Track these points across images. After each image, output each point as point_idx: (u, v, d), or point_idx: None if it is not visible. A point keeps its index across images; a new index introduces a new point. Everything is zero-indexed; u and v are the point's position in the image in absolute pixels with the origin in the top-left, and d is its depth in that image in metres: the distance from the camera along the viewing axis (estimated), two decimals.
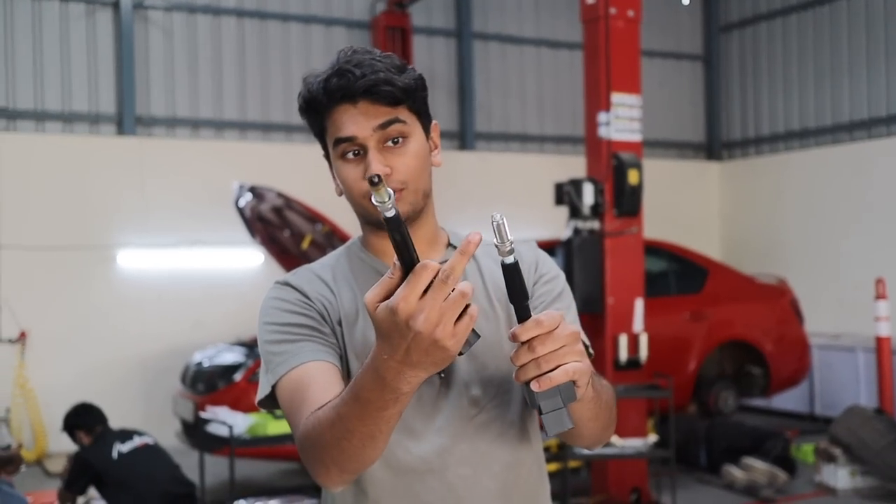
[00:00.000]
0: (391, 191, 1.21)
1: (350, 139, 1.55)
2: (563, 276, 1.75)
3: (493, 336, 1.62)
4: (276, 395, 1.57)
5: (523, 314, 1.33)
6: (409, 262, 1.22)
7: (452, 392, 1.60)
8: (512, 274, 1.31)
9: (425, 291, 1.20)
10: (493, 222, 1.25)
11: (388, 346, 1.24)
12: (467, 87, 11.30)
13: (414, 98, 1.58)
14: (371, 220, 1.63)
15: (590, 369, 1.42)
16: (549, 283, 1.71)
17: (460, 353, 1.27)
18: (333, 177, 1.65)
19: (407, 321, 1.19)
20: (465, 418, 1.59)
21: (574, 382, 1.33)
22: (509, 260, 1.29)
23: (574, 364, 1.32)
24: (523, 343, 1.30)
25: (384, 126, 1.55)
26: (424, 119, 1.62)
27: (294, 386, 1.52)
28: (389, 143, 1.56)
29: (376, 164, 1.54)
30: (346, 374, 1.58)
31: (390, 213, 1.22)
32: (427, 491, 1.58)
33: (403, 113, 1.57)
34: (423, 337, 1.20)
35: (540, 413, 1.35)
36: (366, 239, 1.69)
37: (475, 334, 1.27)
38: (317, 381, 1.50)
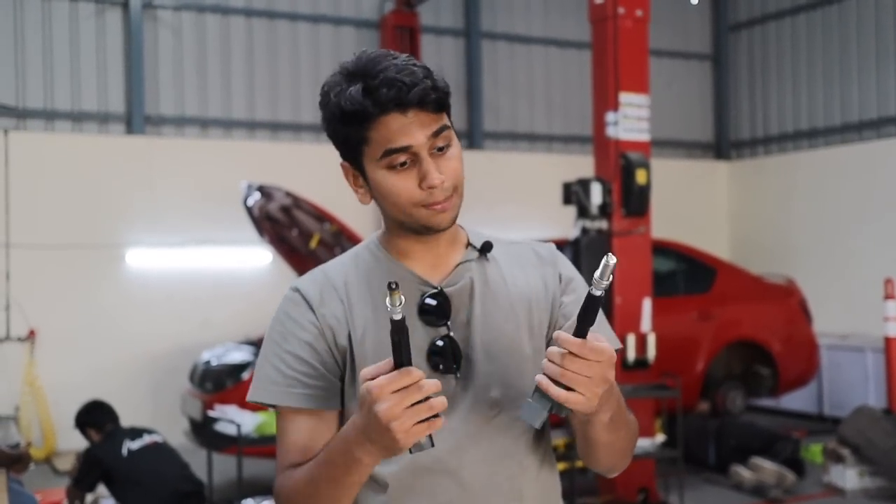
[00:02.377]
0: (403, 299, 1.34)
1: (405, 149, 1.53)
2: (581, 279, 1.76)
3: (513, 339, 1.63)
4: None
5: (581, 334, 1.43)
6: (399, 362, 1.37)
7: (471, 392, 1.60)
8: (592, 303, 1.43)
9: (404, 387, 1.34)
10: (606, 261, 1.39)
11: (359, 414, 1.39)
12: (475, 87, 11.30)
13: (448, 102, 1.59)
14: (412, 227, 1.60)
15: (612, 405, 1.52)
16: (575, 289, 1.72)
17: (410, 451, 1.40)
18: (359, 186, 1.63)
19: (374, 403, 1.34)
20: (483, 419, 1.60)
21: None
22: (597, 293, 1.42)
23: (579, 397, 1.40)
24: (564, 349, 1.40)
25: (436, 134, 1.54)
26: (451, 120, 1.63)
27: (280, 425, 1.64)
28: (435, 151, 1.56)
29: (435, 174, 1.53)
30: (341, 394, 1.63)
31: (398, 317, 1.36)
32: (442, 490, 1.59)
33: (445, 119, 1.57)
34: (381, 422, 1.34)
35: (529, 398, 1.45)
36: (391, 241, 1.66)
37: (430, 441, 1.40)
38: (295, 435, 1.61)
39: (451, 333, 1.60)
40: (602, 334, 1.57)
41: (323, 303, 1.62)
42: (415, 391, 1.34)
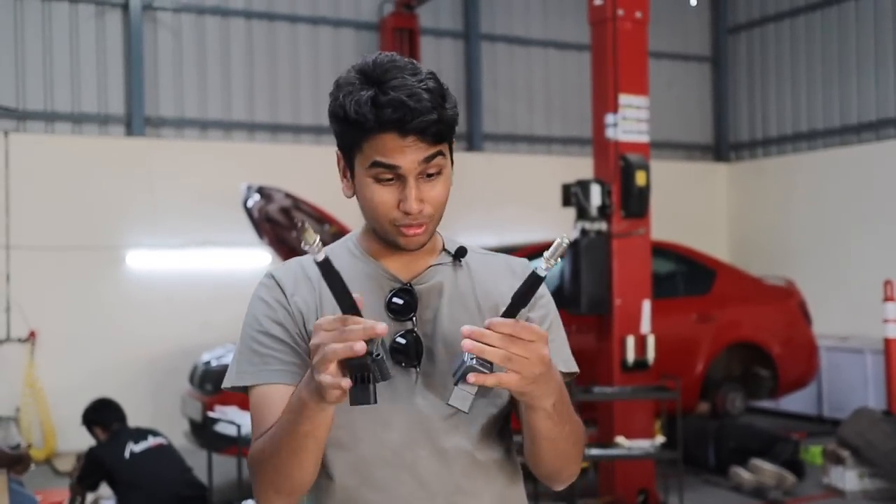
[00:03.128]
0: (318, 237, 1.35)
1: (393, 167, 1.55)
2: (552, 301, 1.77)
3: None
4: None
5: (510, 313, 1.44)
6: (345, 303, 1.39)
7: (430, 388, 1.62)
8: (532, 283, 1.45)
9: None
10: (559, 240, 1.42)
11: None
12: (475, 89, 11.31)
13: (453, 131, 1.61)
14: (389, 242, 1.64)
15: (553, 390, 1.50)
16: (540, 312, 1.72)
17: (352, 403, 1.39)
18: (345, 178, 1.66)
19: (313, 337, 1.38)
20: (441, 416, 1.62)
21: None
22: (542, 273, 1.43)
23: (514, 376, 1.41)
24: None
25: (428, 160, 1.56)
26: (451, 149, 1.65)
27: (255, 406, 1.64)
28: (424, 176, 1.58)
29: (413, 202, 1.56)
30: None
31: (320, 258, 1.37)
32: (399, 484, 1.61)
33: (444, 147, 1.59)
34: (312, 357, 1.38)
35: (455, 384, 1.43)
36: (368, 240, 1.70)
37: (371, 397, 1.38)
38: (272, 407, 1.60)
39: (416, 329, 1.62)
40: (557, 356, 1.63)
41: (296, 290, 1.67)
42: (336, 334, 1.35)
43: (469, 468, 1.64)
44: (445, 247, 1.73)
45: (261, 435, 1.59)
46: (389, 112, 1.51)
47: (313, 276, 1.67)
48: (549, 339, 1.46)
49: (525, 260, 1.80)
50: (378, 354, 1.38)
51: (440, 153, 1.58)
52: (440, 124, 1.55)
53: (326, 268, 1.38)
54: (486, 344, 1.39)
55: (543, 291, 1.71)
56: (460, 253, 1.72)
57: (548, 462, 1.63)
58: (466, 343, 1.39)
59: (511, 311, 1.44)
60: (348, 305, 1.39)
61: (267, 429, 1.57)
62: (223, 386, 1.68)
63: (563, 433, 1.57)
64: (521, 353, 1.40)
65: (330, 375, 1.35)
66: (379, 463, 1.61)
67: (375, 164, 1.56)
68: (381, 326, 1.35)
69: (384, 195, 1.58)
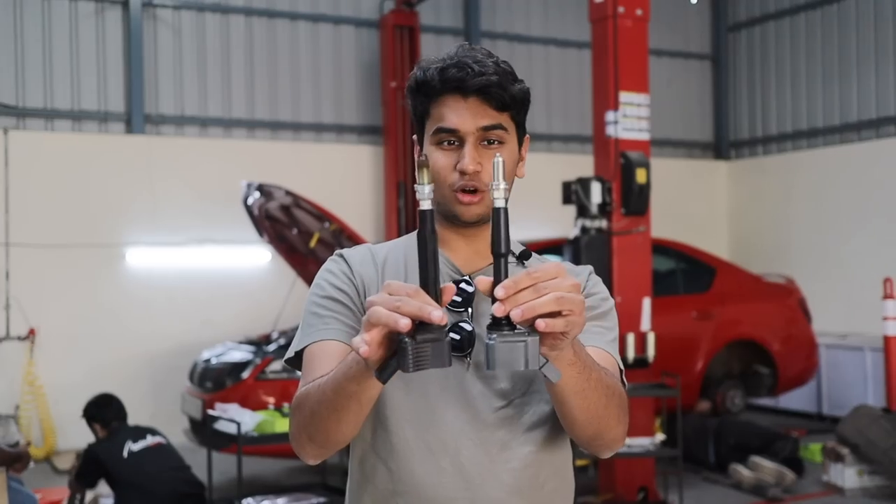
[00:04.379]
0: (432, 184, 1.33)
1: (452, 131, 1.61)
2: (612, 301, 1.76)
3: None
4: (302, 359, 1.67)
5: (500, 267, 1.34)
6: (423, 277, 1.31)
7: (481, 378, 1.63)
8: (499, 219, 1.37)
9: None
10: (493, 160, 1.36)
11: None
12: None
13: (519, 109, 1.66)
14: (445, 212, 1.66)
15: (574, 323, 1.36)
16: (593, 297, 1.71)
17: (381, 378, 1.34)
18: (418, 154, 1.68)
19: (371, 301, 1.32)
20: (490, 407, 1.62)
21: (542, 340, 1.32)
22: (500, 204, 1.36)
23: (559, 319, 1.29)
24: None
25: (487, 129, 1.61)
26: (521, 130, 1.70)
27: (309, 358, 1.63)
28: (485, 144, 1.62)
29: (470, 159, 1.60)
30: None
31: (426, 206, 1.32)
32: (439, 470, 1.61)
33: (506, 120, 1.64)
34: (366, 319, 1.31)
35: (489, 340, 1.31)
36: (438, 230, 1.71)
37: (389, 367, 1.31)
38: (326, 359, 1.59)
39: (471, 321, 1.63)
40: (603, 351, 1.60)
41: (362, 266, 1.70)
42: (392, 301, 1.28)
43: (513, 465, 1.62)
44: (511, 248, 1.72)
45: (309, 382, 1.58)
46: (453, 72, 1.59)
47: (378, 260, 1.71)
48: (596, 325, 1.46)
49: (589, 266, 1.81)
50: (424, 340, 1.28)
51: (501, 126, 1.63)
52: (502, 90, 1.60)
53: (425, 219, 1.33)
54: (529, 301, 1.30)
55: (599, 290, 1.72)
56: (524, 255, 1.75)
57: (583, 421, 1.54)
58: (514, 312, 1.28)
59: (501, 264, 1.35)
60: (431, 277, 1.32)
61: (317, 377, 1.55)
62: (286, 357, 1.69)
63: (590, 383, 1.49)
64: (563, 292, 1.30)
65: (368, 336, 1.30)
66: (422, 447, 1.61)
67: (438, 131, 1.62)
68: (438, 314, 1.27)
69: (444, 159, 1.62)
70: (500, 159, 1.35)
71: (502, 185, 1.36)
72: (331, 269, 1.71)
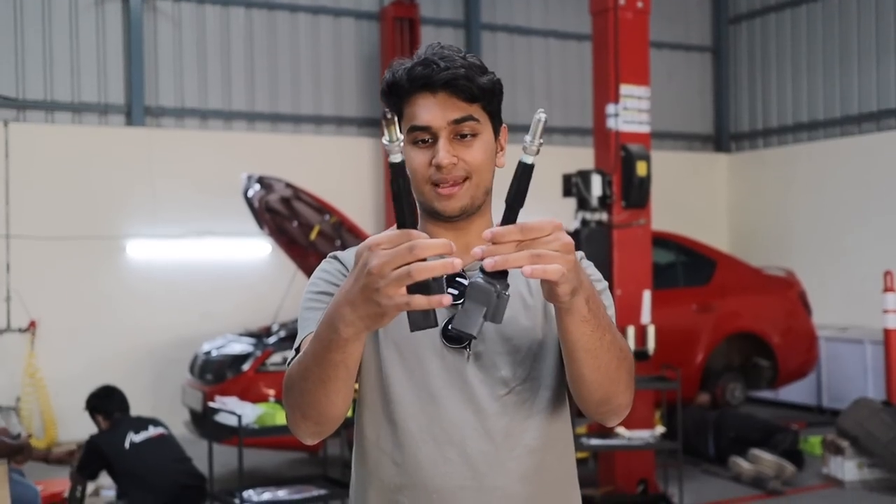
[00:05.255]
0: (401, 136, 1.31)
1: (424, 128, 1.62)
2: (605, 283, 1.75)
3: (527, 322, 1.67)
4: None
5: (509, 218, 1.37)
6: (400, 221, 1.31)
7: (481, 368, 1.64)
8: (524, 174, 1.38)
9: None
10: (535, 117, 1.36)
11: (348, 280, 1.35)
12: None
13: (490, 99, 1.66)
14: (427, 208, 1.68)
15: (585, 284, 1.43)
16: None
17: (410, 329, 1.34)
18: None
19: (368, 257, 1.29)
20: (492, 396, 1.63)
21: (500, 295, 1.34)
22: (529, 160, 1.36)
23: (556, 267, 1.32)
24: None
25: (458, 122, 1.62)
26: (496, 121, 1.70)
27: (302, 346, 1.62)
28: (458, 137, 1.63)
29: (444, 153, 1.61)
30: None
31: (396, 159, 1.31)
32: (445, 461, 1.62)
33: (478, 111, 1.65)
34: (370, 281, 1.28)
35: (462, 304, 1.35)
36: (425, 227, 1.73)
37: (433, 319, 1.31)
38: None
39: None
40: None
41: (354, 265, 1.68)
42: (406, 251, 1.26)
43: (517, 452, 1.64)
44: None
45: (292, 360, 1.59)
46: (420, 69, 1.61)
47: None
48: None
49: (580, 252, 1.78)
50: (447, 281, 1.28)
51: (473, 118, 1.63)
52: (469, 81, 1.61)
53: (396, 172, 1.32)
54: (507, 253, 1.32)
55: (592, 273, 1.71)
56: None
57: (593, 382, 1.53)
58: (487, 261, 1.31)
59: (509, 216, 1.38)
60: (411, 223, 1.32)
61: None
62: (290, 360, 1.68)
63: (603, 342, 1.49)
64: (546, 249, 1.32)
65: (399, 297, 1.28)
66: (428, 440, 1.62)
67: (411, 130, 1.64)
68: (452, 244, 1.29)
69: (420, 157, 1.64)
70: (543, 116, 1.36)
71: (536, 144, 1.36)
72: (325, 269, 1.73)
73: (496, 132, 1.71)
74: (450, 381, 1.63)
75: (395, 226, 1.36)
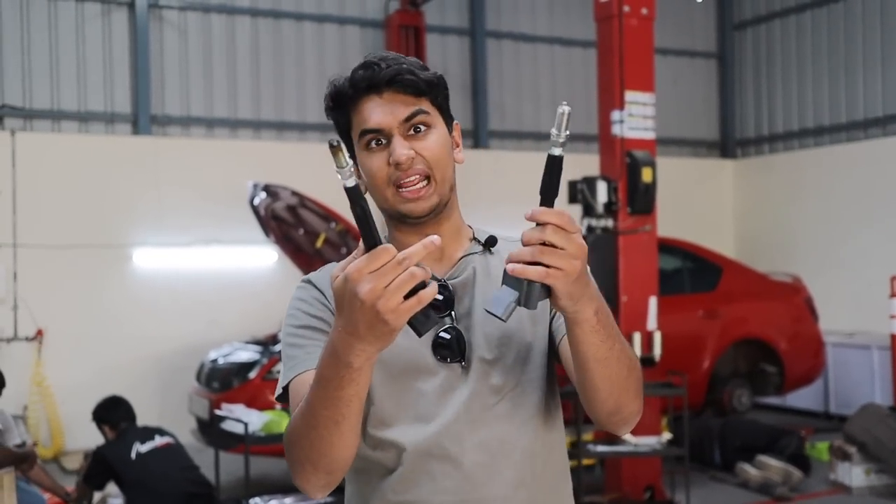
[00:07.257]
0: (351, 161, 1.28)
1: (376, 130, 1.58)
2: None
3: (515, 327, 1.64)
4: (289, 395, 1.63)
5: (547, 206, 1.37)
6: (371, 242, 1.28)
7: (472, 379, 1.62)
8: (553, 166, 1.38)
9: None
10: (559, 110, 1.37)
11: (341, 316, 1.30)
12: (481, 86, 11.30)
13: (436, 93, 1.63)
14: (393, 214, 1.65)
15: (594, 294, 1.44)
16: None
17: (419, 335, 1.32)
18: (359, 174, 1.65)
19: (355, 288, 1.26)
20: (484, 406, 1.61)
21: (547, 291, 1.37)
22: (557, 152, 1.36)
23: (558, 271, 1.34)
24: (539, 224, 1.36)
25: (410, 118, 1.58)
26: (446, 116, 1.67)
27: (297, 390, 1.57)
28: (412, 132, 1.60)
29: (400, 149, 1.57)
30: None
31: (350, 183, 1.28)
32: (444, 476, 1.60)
33: (427, 105, 1.61)
34: (366, 307, 1.25)
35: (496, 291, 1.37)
36: (393, 237, 1.70)
37: (430, 318, 1.30)
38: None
39: (456, 324, 1.63)
40: None
41: (330, 288, 1.64)
42: (392, 267, 1.25)
43: (514, 459, 1.63)
44: (475, 237, 1.73)
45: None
46: (361, 73, 1.58)
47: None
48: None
49: None
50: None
51: (423, 111, 1.60)
52: (413, 76, 1.58)
53: (354, 196, 1.30)
54: (531, 242, 1.37)
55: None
56: (490, 242, 1.72)
57: (603, 392, 1.53)
58: (514, 268, 1.34)
59: (546, 205, 1.38)
60: (375, 243, 1.29)
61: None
62: (276, 395, 1.66)
63: (613, 352, 1.49)
64: (559, 244, 1.34)
65: (404, 306, 1.26)
66: (425, 456, 1.60)
67: (363, 134, 1.60)
68: (432, 240, 1.30)
69: (377, 159, 1.60)
70: (567, 109, 1.37)
71: (563, 135, 1.36)
72: (302, 297, 1.67)
73: (449, 128, 1.67)
74: (443, 397, 1.61)
75: (360, 249, 1.31)
